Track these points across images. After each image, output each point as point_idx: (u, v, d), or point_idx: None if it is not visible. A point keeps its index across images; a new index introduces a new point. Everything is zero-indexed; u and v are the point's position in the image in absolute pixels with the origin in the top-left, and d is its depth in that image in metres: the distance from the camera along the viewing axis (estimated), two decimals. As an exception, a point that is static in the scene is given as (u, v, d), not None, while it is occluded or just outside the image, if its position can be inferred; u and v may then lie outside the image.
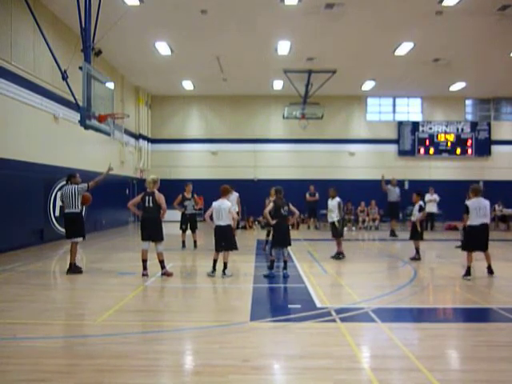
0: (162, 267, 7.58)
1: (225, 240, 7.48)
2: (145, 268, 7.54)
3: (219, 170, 21.55)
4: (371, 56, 16.02)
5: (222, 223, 7.46)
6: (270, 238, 8.48)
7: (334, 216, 9.45)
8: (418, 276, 7.74)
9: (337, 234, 9.54)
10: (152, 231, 7.54)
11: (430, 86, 20.08)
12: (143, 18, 12.60)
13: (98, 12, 9.80)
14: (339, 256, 9.55)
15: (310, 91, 18.50)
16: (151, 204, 7.55)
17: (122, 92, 18.47)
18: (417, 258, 9.52)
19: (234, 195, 10.61)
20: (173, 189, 21.57)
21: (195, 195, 11.46)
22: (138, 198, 7.81)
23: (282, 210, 7.66)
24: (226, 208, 7.48)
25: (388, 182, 15.51)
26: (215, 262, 7.57)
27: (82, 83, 8.93)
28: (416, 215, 9.62)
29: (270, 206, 7.82)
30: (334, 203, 9.50)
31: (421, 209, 9.60)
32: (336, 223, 9.43)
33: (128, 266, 8.68)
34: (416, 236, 9.63)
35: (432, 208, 16.97)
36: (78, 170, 13.98)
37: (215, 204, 7.55)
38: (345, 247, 11.96)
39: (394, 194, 15.21)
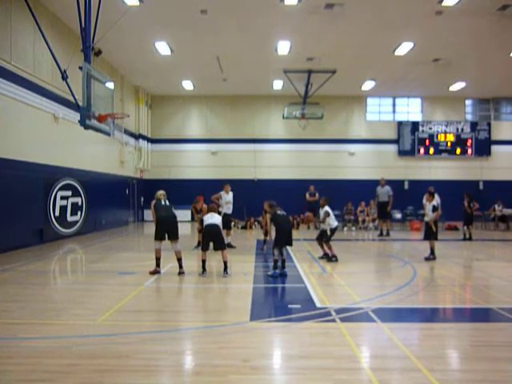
0: (180, 266, 7.76)
1: (215, 239, 7.65)
2: (158, 265, 7.77)
3: (219, 169, 21.56)
4: (371, 56, 16.02)
5: (214, 222, 7.65)
6: (272, 237, 8.57)
7: (325, 226, 9.35)
8: (418, 276, 7.74)
9: (325, 238, 9.43)
10: (171, 229, 7.71)
11: (430, 86, 20.09)
12: (143, 17, 12.61)
13: (98, 12, 9.79)
14: (326, 257, 9.45)
15: (309, 91, 18.51)
16: (168, 203, 7.91)
17: (122, 92, 18.48)
18: (431, 257, 9.52)
19: (230, 193, 11.56)
20: (173, 189, 21.58)
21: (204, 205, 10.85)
22: (153, 209, 7.81)
23: (279, 212, 8.07)
24: (217, 217, 7.85)
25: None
26: (204, 262, 7.74)
27: (81, 83, 8.92)
28: (430, 215, 9.58)
29: (267, 219, 8.27)
30: (321, 214, 9.52)
31: (434, 209, 9.55)
32: (328, 231, 9.33)
33: (128, 265, 8.68)
34: (430, 236, 9.59)
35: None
36: (78, 170, 14.09)
37: (206, 216, 7.92)
38: (345, 247, 12.02)
39: (382, 194, 15.33)
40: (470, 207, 14.12)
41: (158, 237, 7.73)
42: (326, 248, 9.48)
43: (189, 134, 22.26)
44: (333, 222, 9.36)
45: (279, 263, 7.79)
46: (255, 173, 22.01)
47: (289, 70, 17.32)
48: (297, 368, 3.68)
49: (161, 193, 8.04)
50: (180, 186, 20.14)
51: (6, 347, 4.13)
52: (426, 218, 9.75)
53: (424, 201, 17.12)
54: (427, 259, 9.50)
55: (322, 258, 9.61)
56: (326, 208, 9.44)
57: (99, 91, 9.57)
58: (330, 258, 9.37)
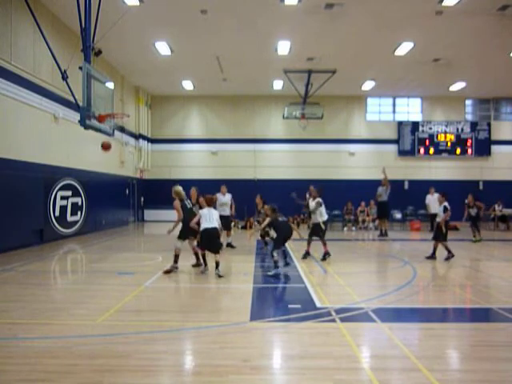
0: (198, 258, 8.22)
1: (213, 242, 7.67)
2: (176, 262, 8.02)
3: (219, 169, 21.56)
4: (371, 56, 16.02)
5: (211, 226, 7.65)
6: (269, 239, 8.71)
7: (317, 217, 9.41)
8: (418, 276, 7.74)
9: (323, 234, 9.49)
10: (193, 231, 7.94)
11: (430, 86, 20.08)
12: (143, 17, 12.61)
13: (98, 12, 9.80)
14: (325, 256, 9.45)
15: (309, 91, 18.51)
16: (190, 204, 8.32)
17: (122, 92, 18.48)
18: (433, 257, 9.59)
19: (229, 196, 11.45)
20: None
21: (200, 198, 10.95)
22: (179, 208, 8.03)
23: (280, 219, 8.36)
24: (216, 214, 7.88)
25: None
26: (204, 256, 7.98)
27: (81, 83, 8.93)
28: (441, 216, 9.60)
29: (266, 222, 8.49)
30: (312, 204, 9.52)
31: (445, 209, 9.54)
32: (321, 224, 9.39)
33: (128, 266, 8.68)
34: (440, 236, 9.59)
35: (433, 209, 16.92)
36: (78, 170, 14.09)
37: (203, 211, 7.84)
38: (345, 247, 12.01)
39: (384, 193, 15.32)
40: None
41: (184, 237, 8.07)
42: (310, 246, 9.70)
43: (189, 134, 22.26)
44: (325, 214, 9.47)
45: (280, 257, 8.12)
46: (255, 173, 22.01)
47: (289, 70, 17.32)
48: (297, 368, 3.68)
49: (181, 190, 8.19)
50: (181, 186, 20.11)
51: (6, 347, 4.13)
52: (438, 219, 9.77)
53: (427, 199, 17.15)
54: (428, 258, 9.60)
55: (304, 257, 9.62)
56: (319, 199, 9.47)
57: (99, 91, 9.58)
58: (324, 256, 9.38)
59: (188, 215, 7.97)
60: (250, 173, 21.96)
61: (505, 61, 16.25)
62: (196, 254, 8.34)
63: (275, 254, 7.93)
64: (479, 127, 22.03)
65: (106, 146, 10.34)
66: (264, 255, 10.30)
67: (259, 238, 11.11)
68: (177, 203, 8.05)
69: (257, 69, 17.56)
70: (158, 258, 9.49)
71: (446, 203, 9.68)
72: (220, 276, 7.56)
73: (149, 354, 3.95)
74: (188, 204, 8.24)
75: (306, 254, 9.68)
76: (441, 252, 9.65)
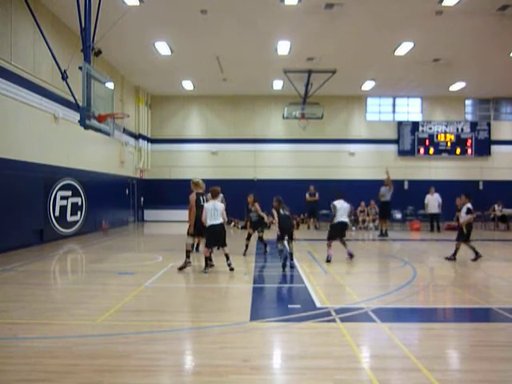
0: (210, 259, 8.18)
1: (220, 238, 7.84)
2: (189, 257, 8.08)
3: (219, 169, 21.56)
4: (371, 56, 16.02)
5: (217, 222, 7.74)
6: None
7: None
8: (418, 276, 7.74)
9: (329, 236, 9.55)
10: (203, 229, 7.96)
11: (430, 86, 20.09)
12: (143, 17, 12.61)
13: (98, 12, 9.80)
14: (350, 256, 9.45)
15: (309, 91, 18.51)
16: (205, 202, 8.14)
17: (122, 92, 18.48)
18: (453, 258, 9.49)
19: (219, 196, 11.19)
20: (173, 189, 21.39)
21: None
22: (194, 203, 8.00)
23: (282, 211, 8.44)
24: (220, 209, 7.84)
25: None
26: (207, 259, 7.93)
27: (81, 83, 8.93)
28: (463, 217, 9.50)
29: (276, 217, 8.52)
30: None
31: (468, 211, 9.39)
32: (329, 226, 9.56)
33: (128, 266, 8.67)
34: (462, 237, 9.52)
35: (432, 209, 16.95)
36: (78, 170, 14.09)
37: (208, 205, 7.85)
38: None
39: (387, 193, 15.30)
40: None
41: (195, 233, 8.10)
42: (346, 247, 9.46)
43: (189, 134, 22.26)
44: (339, 217, 9.30)
45: (287, 255, 8.30)
46: (255, 173, 22.01)
47: (289, 70, 17.32)
48: (297, 368, 3.67)
49: (199, 181, 8.24)
50: (180, 186, 20.11)
51: (6, 347, 4.13)
52: (461, 220, 9.65)
53: (426, 199, 17.08)
54: (474, 260, 9.40)
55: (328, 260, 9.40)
56: (334, 202, 9.45)
57: (99, 91, 9.58)
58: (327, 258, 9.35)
59: (200, 212, 7.88)
60: (250, 173, 21.96)
61: (505, 61, 16.25)
62: (206, 259, 8.02)
63: (279, 246, 8.32)
64: (479, 127, 22.04)
65: None
66: (264, 255, 10.29)
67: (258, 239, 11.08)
68: (192, 197, 7.98)
69: (257, 69, 17.57)
70: (158, 258, 9.49)
71: (469, 204, 9.47)
72: (231, 269, 7.76)
73: (149, 354, 3.95)
74: (203, 201, 8.09)
75: (350, 256, 9.45)
76: (446, 251, 9.63)
